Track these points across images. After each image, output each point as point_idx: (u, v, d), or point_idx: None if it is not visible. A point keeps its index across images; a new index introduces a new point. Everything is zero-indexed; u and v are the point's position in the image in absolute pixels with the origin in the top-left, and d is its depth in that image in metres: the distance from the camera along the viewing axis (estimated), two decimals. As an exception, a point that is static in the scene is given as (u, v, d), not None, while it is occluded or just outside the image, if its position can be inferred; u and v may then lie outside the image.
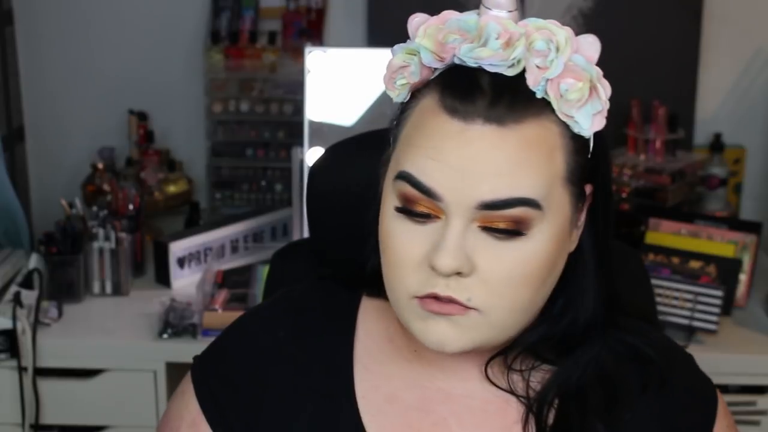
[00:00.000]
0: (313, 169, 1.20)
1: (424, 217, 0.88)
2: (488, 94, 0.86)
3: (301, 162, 2.12)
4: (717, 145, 2.46)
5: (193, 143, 2.55)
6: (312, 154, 2.08)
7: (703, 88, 2.50)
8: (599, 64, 0.89)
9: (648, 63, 2.47)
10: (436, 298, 0.88)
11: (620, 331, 0.98)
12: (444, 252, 0.85)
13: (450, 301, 0.87)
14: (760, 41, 2.51)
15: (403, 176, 0.88)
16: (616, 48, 2.42)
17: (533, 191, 0.85)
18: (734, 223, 2.21)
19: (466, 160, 0.85)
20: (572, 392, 0.95)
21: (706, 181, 2.42)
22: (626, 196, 2.32)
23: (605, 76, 0.89)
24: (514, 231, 0.86)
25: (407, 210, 0.88)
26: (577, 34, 0.90)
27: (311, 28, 2.47)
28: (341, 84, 2.08)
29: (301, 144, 2.12)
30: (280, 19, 2.49)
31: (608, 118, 0.89)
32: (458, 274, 0.86)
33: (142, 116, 2.48)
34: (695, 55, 2.47)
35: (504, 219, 0.86)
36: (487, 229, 0.86)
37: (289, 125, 2.46)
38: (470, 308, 0.88)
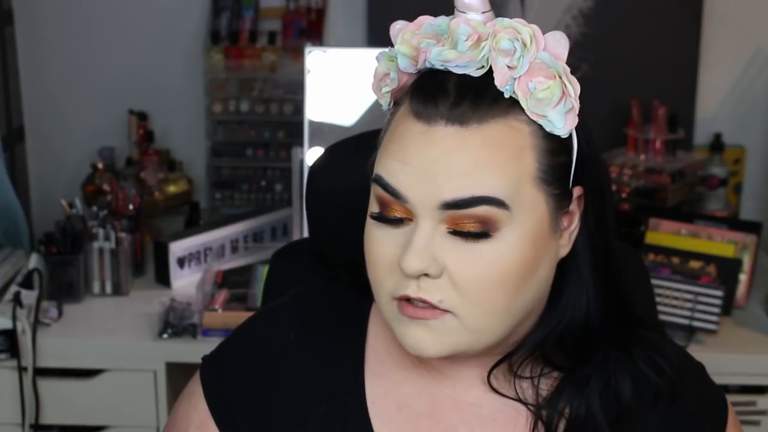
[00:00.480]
0: (313, 169, 1.20)
1: (398, 221, 0.89)
2: (452, 96, 0.86)
3: (301, 162, 2.12)
4: (717, 145, 2.46)
5: (193, 143, 2.55)
6: (312, 154, 2.08)
7: (703, 88, 2.50)
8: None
9: (648, 63, 2.47)
10: (408, 300, 0.88)
11: (633, 343, 0.97)
12: (410, 253, 0.86)
13: (422, 302, 0.87)
14: (760, 41, 2.51)
15: (376, 179, 0.89)
16: (616, 48, 2.43)
17: (497, 190, 0.85)
18: (734, 223, 2.21)
19: (428, 162, 0.85)
20: (582, 402, 0.94)
21: (706, 181, 2.42)
22: (626, 196, 2.32)
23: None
24: (481, 232, 0.86)
25: (382, 214, 0.89)
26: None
27: (311, 28, 2.47)
28: (341, 84, 2.08)
29: (301, 144, 2.12)
30: (280, 19, 2.49)
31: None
32: (427, 275, 0.87)
33: (142, 116, 2.48)
34: (695, 55, 2.47)
35: (469, 219, 0.86)
36: (455, 232, 0.86)
37: (289, 125, 2.46)
38: (444, 311, 0.88)
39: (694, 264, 2.09)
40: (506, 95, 0.87)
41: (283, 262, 1.28)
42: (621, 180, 2.33)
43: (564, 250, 0.93)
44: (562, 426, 0.95)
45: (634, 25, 2.46)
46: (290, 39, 2.46)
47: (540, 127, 0.88)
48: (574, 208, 0.92)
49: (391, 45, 0.92)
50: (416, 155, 0.86)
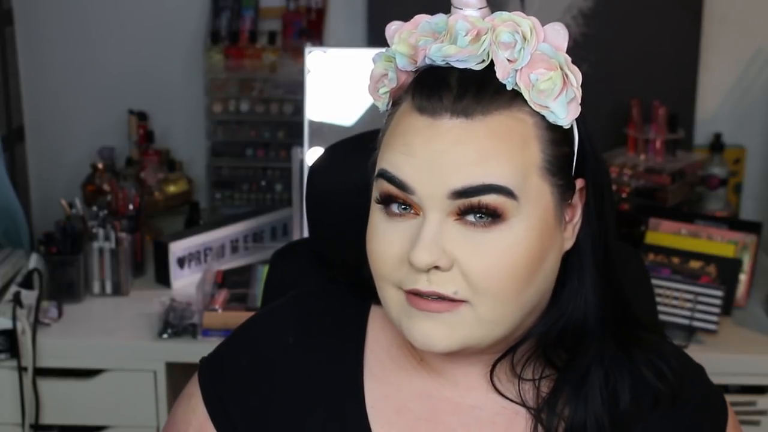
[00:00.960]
0: (313, 169, 1.20)
1: (403, 216, 0.88)
2: (455, 89, 0.87)
3: (301, 162, 2.12)
4: (717, 145, 2.46)
5: (193, 143, 2.55)
6: (312, 154, 2.08)
7: (703, 88, 2.50)
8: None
9: (648, 63, 2.47)
10: (420, 294, 0.88)
11: (633, 344, 0.97)
12: (419, 247, 0.86)
13: (434, 294, 0.87)
14: (760, 41, 2.51)
15: (381, 173, 0.89)
16: (616, 48, 2.43)
17: (505, 179, 0.85)
18: (734, 223, 2.20)
19: (435, 153, 0.86)
20: (581, 402, 0.94)
21: (706, 181, 2.42)
22: (626, 196, 2.32)
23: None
24: (490, 222, 0.86)
25: (387, 209, 0.89)
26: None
27: (311, 28, 2.47)
28: (341, 84, 2.08)
29: (301, 144, 2.12)
30: (280, 19, 2.49)
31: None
32: (437, 268, 0.86)
33: (142, 116, 2.48)
34: (695, 55, 2.47)
35: (478, 209, 0.86)
36: (464, 223, 0.86)
37: (289, 125, 2.46)
38: (458, 301, 0.87)
39: (694, 264, 2.09)
40: (508, 87, 0.87)
41: (284, 262, 1.27)
42: (621, 180, 2.32)
43: (568, 243, 0.93)
44: (561, 429, 0.95)
45: (634, 25, 2.46)
46: (290, 39, 2.46)
47: (543, 117, 0.88)
48: (577, 200, 0.93)
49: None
50: (421, 147, 0.86)
